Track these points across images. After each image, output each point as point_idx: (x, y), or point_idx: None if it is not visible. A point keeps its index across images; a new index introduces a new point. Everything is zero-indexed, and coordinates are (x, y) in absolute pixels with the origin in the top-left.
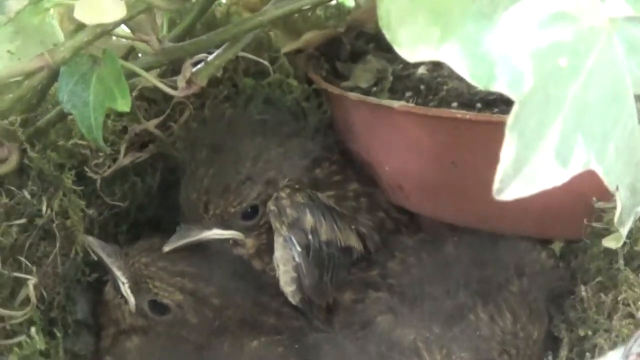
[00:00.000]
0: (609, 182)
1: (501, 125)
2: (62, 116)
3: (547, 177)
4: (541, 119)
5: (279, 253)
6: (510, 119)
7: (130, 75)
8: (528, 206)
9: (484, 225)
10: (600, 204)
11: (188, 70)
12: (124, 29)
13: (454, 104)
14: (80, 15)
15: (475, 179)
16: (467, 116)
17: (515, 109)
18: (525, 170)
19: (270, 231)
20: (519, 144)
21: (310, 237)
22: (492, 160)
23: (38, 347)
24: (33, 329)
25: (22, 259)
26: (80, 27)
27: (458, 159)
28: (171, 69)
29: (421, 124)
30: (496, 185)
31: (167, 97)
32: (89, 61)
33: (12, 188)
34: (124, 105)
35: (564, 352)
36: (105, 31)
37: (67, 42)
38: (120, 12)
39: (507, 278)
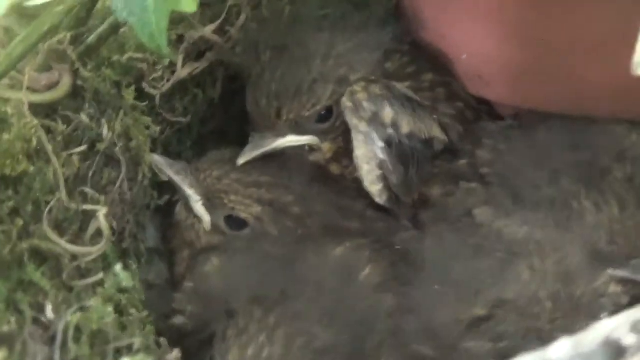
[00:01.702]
0: None
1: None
2: (114, 29)
3: None
4: None
5: (360, 151)
6: None
7: None
8: (626, 84)
9: (578, 109)
10: None
11: None
12: None
13: None
14: None
15: (568, 59)
16: None
17: None
18: None
19: (347, 132)
20: None
21: (391, 130)
22: (587, 38)
23: (125, 285)
24: (118, 266)
25: (88, 189)
26: None
27: (546, 35)
28: None
29: (501, 2)
30: (636, 57)
31: (221, 0)
32: None
33: (68, 113)
34: (190, 4)
35: None
36: None
37: None
38: None
39: (609, 163)
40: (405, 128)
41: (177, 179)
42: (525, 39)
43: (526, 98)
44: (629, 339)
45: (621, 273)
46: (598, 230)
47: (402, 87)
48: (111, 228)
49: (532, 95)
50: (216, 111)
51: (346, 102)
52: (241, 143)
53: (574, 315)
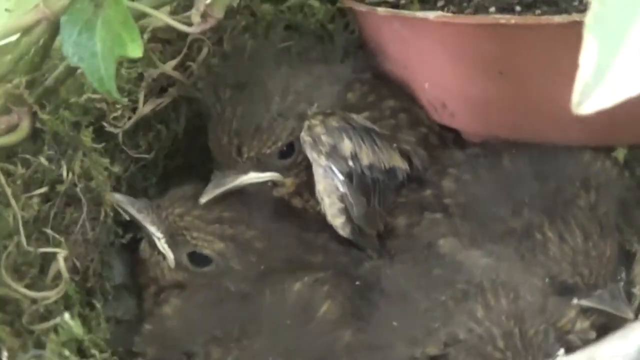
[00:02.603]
0: None
1: (551, 28)
2: (71, 71)
3: (633, 82)
4: (623, 17)
5: (321, 185)
6: (589, 19)
7: (139, 17)
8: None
9: (541, 138)
10: None
11: (202, 2)
12: None
13: (492, 9)
14: None
15: (527, 89)
16: (512, 21)
17: (594, 8)
18: (608, 77)
19: (309, 166)
20: (601, 47)
21: (351, 163)
22: (545, 66)
23: (76, 333)
24: (67, 315)
25: (48, 230)
26: None
27: (506, 68)
28: (183, 5)
29: (461, 34)
30: (575, 97)
31: (182, 36)
32: (90, 6)
33: (27, 156)
34: (135, 50)
35: (638, 267)
36: None
37: None
38: None
39: (574, 192)
40: (365, 160)
41: (139, 217)
42: (486, 71)
43: (491, 128)
44: None
45: (586, 303)
46: (561, 261)
47: (360, 118)
48: (75, 267)
49: (496, 124)
50: (180, 146)
51: (305, 136)
52: (207, 177)
53: (527, 354)
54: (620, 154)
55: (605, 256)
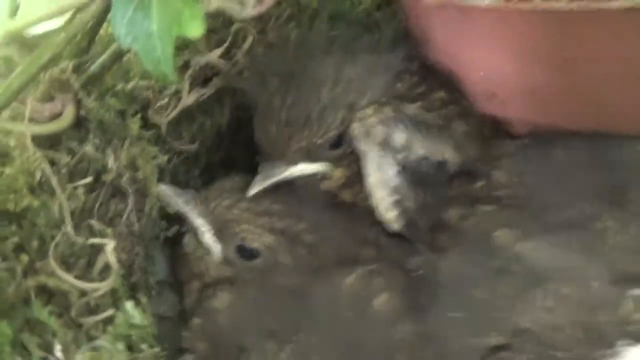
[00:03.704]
0: None
1: (613, 15)
2: (117, 57)
3: None
4: None
5: (373, 177)
6: None
7: None
8: None
9: (598, 126)
10: None
11: None
12: None
13: None
14: None
15: (591, 76)
16: (574, 6)
17: None
18: None
19: (358, 158)
20: None
21: (404, 154)
22: (610, 54)
23: (136, 322)
24: (129, 304)
25: (94, 222)
26: None
27: (568, 55)
28: None
29: (518, 22)
30: None
31: (227, 24)
32: None
33: (72, 144)
34: (196, 28)
35: None
36: None
37: None
38: None
39: (633, 182)
40: (418, 151)
41: (186, 209)
42: (544, 57)
43: (544, 116)
44: None
45: None
46: (623, 251)
47: (413, 108)
48: (119, 261)
49: (550, 112)
50: (224, 139)
51: (357, 126)
52: (250, 171)
53: (596, 345)
54: None
55: None
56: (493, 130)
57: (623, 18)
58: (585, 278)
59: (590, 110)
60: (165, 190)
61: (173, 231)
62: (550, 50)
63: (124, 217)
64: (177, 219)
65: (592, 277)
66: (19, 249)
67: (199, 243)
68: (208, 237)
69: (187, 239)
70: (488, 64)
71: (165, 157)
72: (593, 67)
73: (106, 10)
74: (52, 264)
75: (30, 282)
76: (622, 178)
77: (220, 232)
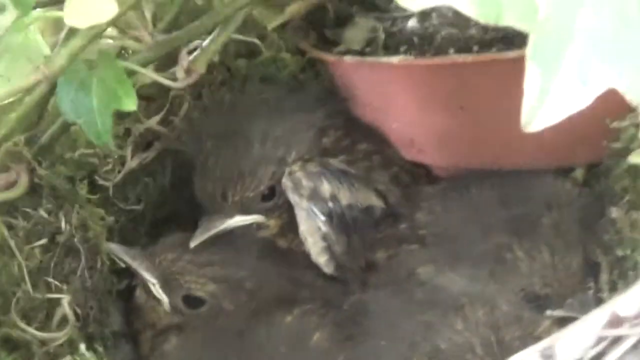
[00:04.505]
0: (631, 98)
1: (504, 63)
2: (65, 128)
3: (572, 100)
4: (557, 45)
5: (304, 226)
6: (529, 49)
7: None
8: (545, 137)
9: (503, 164)
10: (615, 124)
11: (185, 59)
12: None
13: (451, 51)
14: (71, 20)
15: (486, 120)
16: (469, 59)
17: (532, 38)
18: (550, 97)
19: (290, 208)
20: (542, 72)
21: (330, 204)
22: (500, 97)
23: None
24: (82, 346)
25: (50, 279)
26: (71, 34)
27: (465, 102)
28: (163, 65)
29: (424, 75)
30: (523, 118)
31: (164, 93)
32: (85, 66)
33: (27, 209)
34: (130, 103)
35: (604, 276)
36: (99, 32)
37: (62, 50)
38: (112, 9)
39: (538, 213)
40: (343, 200)
41: (134, 264)
42: (448, 107)
43: (456, 160)
44: None
45: (558, 313)
46: (532, 276)
47: (336, 162)
48: (76, 314)
49: (461, 156)
50: (168, 197)
51: (286, 181)
52: (194, 227)
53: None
54: (579, 173)
55: (571, 268)
56: (413, 177)
57: (511, 66)
58: (499, 301)
59: (489, 151)
60: (114, 248)
61: (124, 285)
62: (448, 100)
63: (78, 273)
64: (128, 274)
65: (506, 300)
66: None
67: (149, 295)
68: (156, 289)
69: (138, 292)
70: (403, 114)
71: (113, 218)
72: (484, 112)
73: (52, 89)
74: (14, 316)
75: None
76: (530, 210)
77: (167, 284)
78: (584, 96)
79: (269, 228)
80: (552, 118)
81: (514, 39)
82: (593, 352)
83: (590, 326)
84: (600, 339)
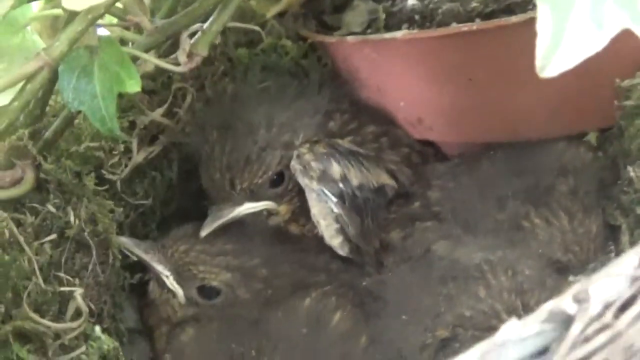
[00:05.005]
0: None
1: (510, 29)
2: (69, 122)
3: (587, 43)
4: None
5: (315, 209)
6: None
7: None
8: (554, 103)
9: (515, 136)
10: (625, 83)
11: (187, 42)
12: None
13: (453, 24)
14: (69, 3)
15: (496, 90)
16: (474, 27)
17: None
18: (565, 39)
19: (300, 192)
20: (553, 14)
21: (341, 185)
22: (509, 66)
23: (107, 346)
24: (97, 328)
25: (62, 274)
26: (70, 20)
27: (473, 74)
28: (164, 53)
29: (428, 48)
30: (538, 62)
31: (166, 85)
32: (86, 53)
33: (35, 205)
34: (134, 85)
35: (625, 238)
36: (98, 16)
37: (62, 36)
38: None
39: (553, 180)
40: (354, 181)
41: (146, 257)
42: (455, 80)
43: (466, 134)
44: None
45: (581, 278)
46: (552, 243)
47: (345, 142)
48: (90, 310)
49: (471, 130)
50: (175, 191)
51: (295, 164)
52: (203, 219)
53: None
54: (593, 137)
55: (592, 232)
56: (423, 157)
57: (516, 32)
58: (520, 266)
59: (500, 123)
60: (125, 241)
61: (136, 279)
62: (456, 72)
63: (90, 268)
64: (140, 268)
65: (522, 266)
66: None
67: (163, 288)
68: (170, 281)
69: (151, 286)
70: (409, 91)
71: (122, 210)
72: (493, 83)
73: (53, 79)
74: (27, 309)
75: (8, 327)
76: (544, 178)
77: (180, 276)
78: (599, 37)
79: (280, 214)
80: (568, 62)
81: (515, 10)
82: (628, 293)
83: (623, 267)
84: (634, 279)
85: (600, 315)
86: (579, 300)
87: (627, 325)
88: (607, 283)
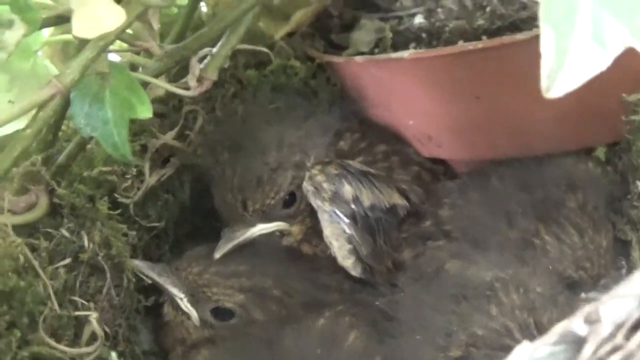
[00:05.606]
0: None
1: (515, 46)
2: (81, 147)
3: (591, 62)
4: (568, 3)
5: (328, 230)
6: (541, 10)
7: None
8: (562, 118)
9: (524, 151)
10: (633, 97)
11: (196, 67)
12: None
13: (460, 42)
14: (79, 31)
15: (504, 107)
16: (479, 45)
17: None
18: (568, 59)
19: (313, 213)
20: (556, 34)
21: (353, 206)
22: (516, 83)
23: None
24: (113, 354)
25: (77, 298)
26: (81, 47)
27: (481, 92)
28: (174, 77)
29: (436, 67)
30: (543, 83)
31: (177, 109)
32: (97, 79)
33: (49, 230)
34: (145, 111)
35: (635, 253)
36: (108, 42)
37: (73, 63)
38: (119, 16)
39: (562, 195)
40: (366, 201)
41: (160, 280)
42: (462, 97)
43: (475, 151)
44: None
45: (593, 295)
46: (563, 259)
47: (356, 163)
48: (105, 333)
49: (479, 147)
50: (188, 213)
51: (307, 186)
52: (216, 240)
53: None
54: (601, 152)
55: (602, 248)
56: (433, 175)
57: (522, 49)
58: (532, 283)
59: (508, 139)
60: (138, 264)
61: (151, 301)
62: (463, 89)
63: (104, 292)
64: (155, 291)
65: (534, 284)
66: (12, 325)
67: (177, 310)
68: (184, 303)
69: (166, 308)
70: (418, 109)
71: (135, 235)
72: (500, 100)
73: (66, 105)
74: (43, 334)
75: (25, 353)
76: (553, 193)
77: (195, 298)
78: (602, 56)
79: (293, 234)
80: (573, 82)
81: (521, 27)
82: (638, 314)
83: (633, 287)
84: None
85: (611, 336)
86: (590, 321)
87: (637, 346)
88: (617, 304)
